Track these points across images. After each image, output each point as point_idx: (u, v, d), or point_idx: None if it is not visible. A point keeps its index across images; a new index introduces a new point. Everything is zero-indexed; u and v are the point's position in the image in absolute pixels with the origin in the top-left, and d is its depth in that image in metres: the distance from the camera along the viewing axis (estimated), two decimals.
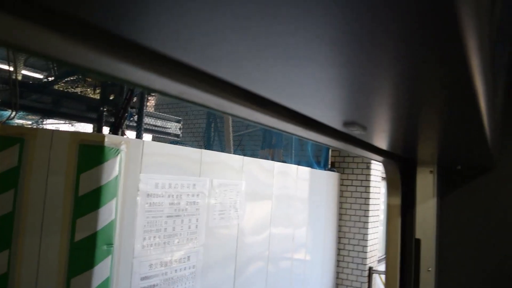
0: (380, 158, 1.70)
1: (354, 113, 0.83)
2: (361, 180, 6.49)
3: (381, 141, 1.29)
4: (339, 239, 6.60)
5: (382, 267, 6.89)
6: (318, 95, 0.68)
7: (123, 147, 2.87)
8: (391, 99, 0.66)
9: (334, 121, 0.93)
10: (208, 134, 5.20)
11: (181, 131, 4.35)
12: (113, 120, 3.22)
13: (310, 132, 0.95)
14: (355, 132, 1.05)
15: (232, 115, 0.77)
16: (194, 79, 0.55)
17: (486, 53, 0.44)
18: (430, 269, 1.84)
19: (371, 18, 0.33)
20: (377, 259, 6.85)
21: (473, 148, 1.30)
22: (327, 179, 6.25)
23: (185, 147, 3.58)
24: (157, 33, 0.42)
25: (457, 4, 0.29)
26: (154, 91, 0.58)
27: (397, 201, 1.90)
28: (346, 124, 0.94)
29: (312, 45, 0.41)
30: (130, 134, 3.48)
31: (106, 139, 2.76)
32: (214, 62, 0.52)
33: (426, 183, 1.88)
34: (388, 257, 1.90)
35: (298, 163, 5.40)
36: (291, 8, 0.33)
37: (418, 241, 1.87)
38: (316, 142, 1.13)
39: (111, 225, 2.74)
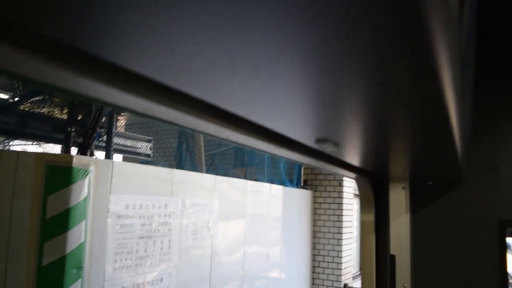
0: (353, 175, 1.71)
1: (326, 130, 0.83)
2: (334, 198, 6.53)
3: (354, 158, 1.31)
4: (314, 256, 6.59)
5: (357, 283, 6.91)
6: (289, 112, 0.68)
7: (92, 168, 2.81)
8: (363, 115, 0.67)
9: (306, 138, 0.93)
10: (180, 153, 5.15)
11: (152, 150, 4.30)
12: (82, 141, 3.16)
13: (282, 149, 0.95)
14: (328, 149, 1.06)
15: (202, 132, 0.76)
16: (160, 96, 0.53)
17: (456, 70, 0.44)
18: (406, 285, 1.85)
19: (344, 36, 0.33)
20: (352, 275, 6.86)
21: (444, 164, 1.32)
22: (300, 197, 6.26)
23: (156, 167, 3.53)
24: (121, 49, 0.41)
25: (427, 24, 0.29)
26: (120, 108, 0.56)
27: (371, 217, 1.91)
28: (319, 141, 0.94)
29: (283, 61, 0.41)
30: (100, 154, 3.41)
31: (74, 160, 2.70)
32: (181, 78, 0.50)
33: (399, 199, 1.91)
34: (363, 274, 1.90)
35: (271, 181, 5.40)
36: (260, 23, 0.32)
37: (393, 257, 1.88)
38: (288, 159, 1.13)
39: (80, 248, 2.66)
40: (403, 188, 1.90)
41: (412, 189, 1.98)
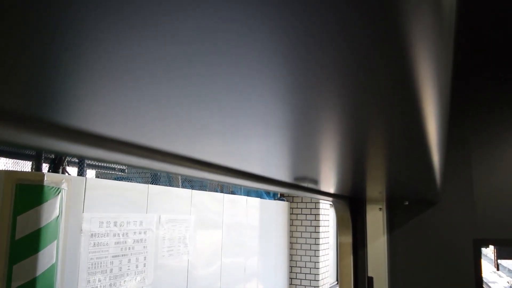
0: (330, 199, 1.72)
1: (304, 169, 0.83)
2: (311, 209, 6.55)
3: (331, 188, 1.31)
4: (291, 268, 6.58)
5: None
6: (267, 156, 0.67)
7: (64, 185, 2.74)
8: (339, 152, 0.66)
9: (285, 177, 0.93)
10: None
11: (127, 166, 4.19)
12: (53, 157, 3.07)
13: (261, 184, 0.95)
14: (306, 184, 1.06)
15: (178, 175, 0.76)
16: (130, 154, 0.54)
17: (434, 91, 0.43)
18: None
19: (317, 80, 0.32)
20: (329, 286, 6.87)
21: (421, 184, 1.33)
22: (277, 209, 6.26)
23: (131, 183, 3.47)
24: (90, 117, 0.41)
25: (404, 44, 0.28)
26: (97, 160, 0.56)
27: (348, 239, 1.91)
28: (297, 179, 0.94)
29: (259, 111, 0.40)
30: (72, 170, 3.33)
31: (45, 178, 2.62)
32: (149, 135, 0.50)
33: (376, 220, 1.91)
34: None
35: (247, 194, 5.38)
36: (228, 77, 0.31)
37: (370, 279, 1.89)
38: (267, 190, 1.15)
39: (51, 270, 2.57)
40: (380, 209, 1.91)
41: (389, 209, 1.99)
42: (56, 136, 0.43)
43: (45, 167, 3.10)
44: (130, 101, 0.35)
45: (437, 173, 1.05)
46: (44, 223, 2.58)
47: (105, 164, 3.87)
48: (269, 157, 0.68)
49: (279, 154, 0.65)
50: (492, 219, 1.91)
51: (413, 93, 0.38)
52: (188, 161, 0.66)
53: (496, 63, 1.95)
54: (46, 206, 2.61)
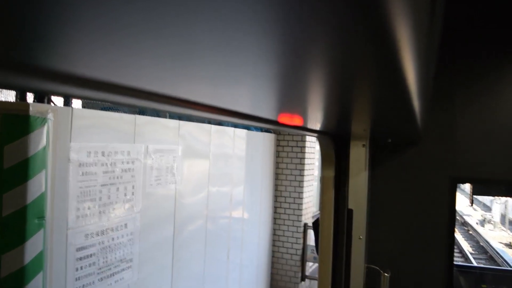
0: (315, 135, 1.74)
1: (290, 105, 0.84)
2: (297, 141, 6.65)
3: (316, 124, 1.33)
4: (276, 197, 6.80)
5: None
6: (254, 95, 0.68)
7: (50, 115, 2.73)
8: (324, 89, 0.67)
9: (271, 115, 0.93)
10: None
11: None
12: None
13: (248, 121, 0.96)
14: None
15: (167, 111, 0.77)
16: (124, 94, 0.54)
17: (419, 37, 0.43)
18: (361, 237, 1.95)
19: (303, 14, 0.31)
20: (312, 215, 7.16)
21: (404, 124, 1.36)
22: (264, 141, 6.34)
23: (118, 113, 3.47)
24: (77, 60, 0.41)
25: None
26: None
27: (331, 173, 1.97)
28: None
29: (246, 43, 0.39)
30: (58, 101, 3.30)
31: (31, 108, 2.60)
32: (134, 75, 0.50)
33: (358, 156, 1.96)
34: (322, 226, 1.99)
35: (235, 125, 5.42)
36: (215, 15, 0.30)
37: (350, 211, 1.97)
38: (255, 126, 1.16)
39: (41, 198, 2.64)
40: (363, 145, 1.95)
41: (372, 146, 2.04)
42: (41, 78, 0.43)
43: (30, 97, 3.06)
44: (118, 43, 0.36)
45: (418, 115, 1.07)
46: (31, 153, 2.60)
47: None
48: (256, 96, 0.69)
49: (265, 92, 0.66)
50: (470, 159, 1.98)
51: (394, 42, 0.38)
52: (175, 99, 0.66)
53: (481, 15, 1.93)
54: (32, 136, 2.62)
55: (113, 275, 3.36)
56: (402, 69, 0.50)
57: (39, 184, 2.63)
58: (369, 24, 0.33)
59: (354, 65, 0.51)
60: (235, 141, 5.40)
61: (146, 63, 0.44)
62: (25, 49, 0.37)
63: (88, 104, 3.82)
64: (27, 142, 2.59)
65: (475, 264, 11.41)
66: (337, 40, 0.38)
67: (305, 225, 6.77)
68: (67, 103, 3.27)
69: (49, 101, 3.02)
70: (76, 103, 3.32)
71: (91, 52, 0.38)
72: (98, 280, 3.21)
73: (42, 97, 2.97)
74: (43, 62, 0.41)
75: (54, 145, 2.78)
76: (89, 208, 3.09)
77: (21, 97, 2.90)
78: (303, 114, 0.99)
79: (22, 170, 2.56)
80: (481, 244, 15.18)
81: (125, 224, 3.47)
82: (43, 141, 2.67)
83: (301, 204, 6.68)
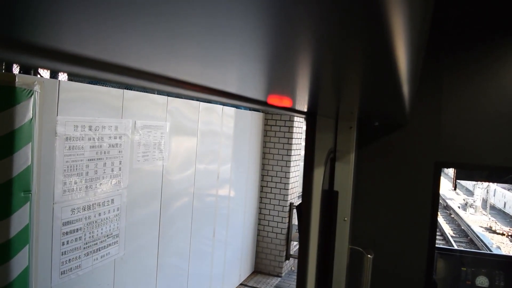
0: (303, 116, 1.74)
1: (278, 86, 0.83)
2: (285, 120, 6.65)
3: (305, 106, 1.32)
4: (262, 176, 6.83)
5: None
6: (241, 73, 0.67)
7: (36, 87, 2.67)
8: (313, 69, 0.66)
9: (259, 95, 0.93)
10: None
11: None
12: None
13: (237, 101, 0.95)
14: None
15: (154, 90, 0.76)
16: (112, 72, 0.54)
17: (409, 21, 0.43)
18: (346, 218, 1.97)
19: None
20: (298, 195, 7.22)
21: (391, 107, 1.36)
22: (252, 120, 6.33)
23: (106, 87, 3.42)
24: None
25: None
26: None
27: (317, 155, 1.97)
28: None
29: (235, 21, 0.39)
30: (45, 73, 3.23)
31: (17, 80, 2.55)
32: (123, 53, 0.49)
33: (346, 139, 1.96)
34: (304, 209, 2.00)
35: (223, 104, 5.38)
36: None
37: (336, 193, 1.98)
38: (243, 106, 1.15)
39: (27, 171, 2.61)
40: (351, 127, 1.96)
41: (359, 129, 2.05)
42: (28, 53, 0.43)
43: (15, 68, 3.00)
44: (108, 20, 0.35)
45: (406, 98, 1.08)
46: (17, 125, 2.55)
47: None
48: (245, 76, 0.68)
49: (254, 72, 0.65)
50: (455, 145, 2.01)
51: (384, 22, 0.38)
52: (164, 78, 0.65)
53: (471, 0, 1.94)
54: (18, 108, 2.57)
55: (99, 250, 3.36)
56: (392, 51, 0.50)
57: (25, 157, 2.59)
58: (359, 5, 0.33)
59: (342, 46, 0.50)
60: (223, 119, 5.38)
61: (135, 40, 0.43)
62: (11, 23, 0.36)
63: (74, 77, 3.76)
64: (13, 114, 2.55)
65: (455, 247, 11.69)
66: (325, 21, 0.37)
67: (291, 204, 6.84)
68: (54, 75, 3.21)
69: (36, 73, 2.96)
70: (63, 76, 3.26)
71: (79, 27, 0.37)
72: (84, 255, 3.21)
73: (28, 68, 2.90)
74: (30, 37, 0.41)
75: (41, 118, 2.74)
76: (75, 183, 3.06)
77: (7, 68, 2.83)
78: (292, 95, 0.99)
79: (7, 143, 2.52)
80: (462, 227, 15.54)
81: (112, 200, 3.46)
82: (29, 114, 2.62)
83: (288, 184, 6.73)
